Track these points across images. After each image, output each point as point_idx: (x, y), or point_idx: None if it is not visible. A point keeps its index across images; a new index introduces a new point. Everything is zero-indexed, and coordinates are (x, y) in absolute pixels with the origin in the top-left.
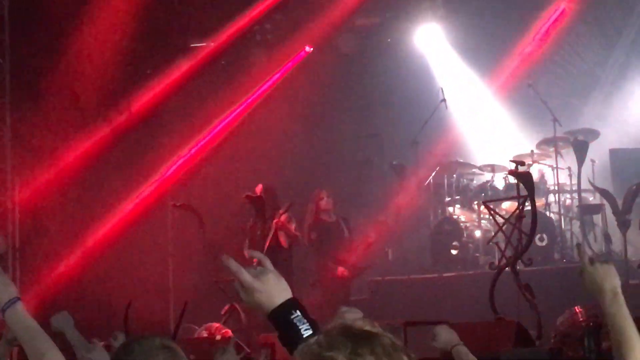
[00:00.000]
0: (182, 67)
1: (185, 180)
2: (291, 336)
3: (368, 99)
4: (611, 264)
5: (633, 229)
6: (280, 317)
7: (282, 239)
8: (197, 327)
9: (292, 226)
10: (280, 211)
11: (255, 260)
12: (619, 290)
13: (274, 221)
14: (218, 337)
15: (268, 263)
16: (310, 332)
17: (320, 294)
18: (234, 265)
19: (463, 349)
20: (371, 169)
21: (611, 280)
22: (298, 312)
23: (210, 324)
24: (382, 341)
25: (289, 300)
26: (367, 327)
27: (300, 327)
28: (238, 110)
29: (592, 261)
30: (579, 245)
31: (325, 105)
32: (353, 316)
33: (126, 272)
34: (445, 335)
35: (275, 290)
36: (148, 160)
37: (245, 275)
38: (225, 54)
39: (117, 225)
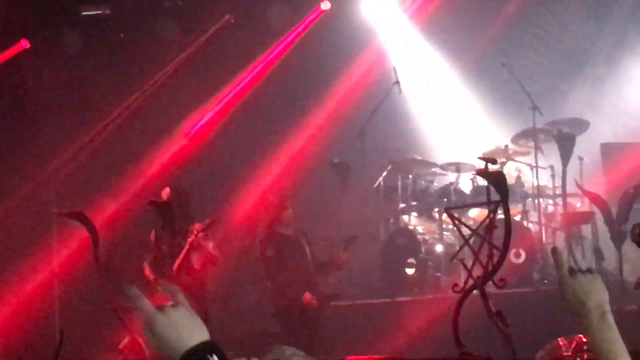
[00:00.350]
0: (74, 40)
1: (74, 182)
2: None
3: (303, 82)
4: (597, 275)
5: (629, 242)
6: None
7: (194, 260)
8: None
9: (210, 244)
10: (198, 227)
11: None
12: (608, 307)
13: (189, 240)
14: None
15: (180, 296)
16: None
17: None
18: (134, 292)
19: None
20: (307, 165)
21: (597, 295)
22: (215, 358)
23: None
24: None
25: (206, 342)
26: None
27: None
28: (141, 93)
29: (572, 271)
30: (555, 249)
31: (249, 89)
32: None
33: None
34: None
35: (187, 329)
36: (24, 157)
37: (149, 309)
38: (125, 25)
39: None
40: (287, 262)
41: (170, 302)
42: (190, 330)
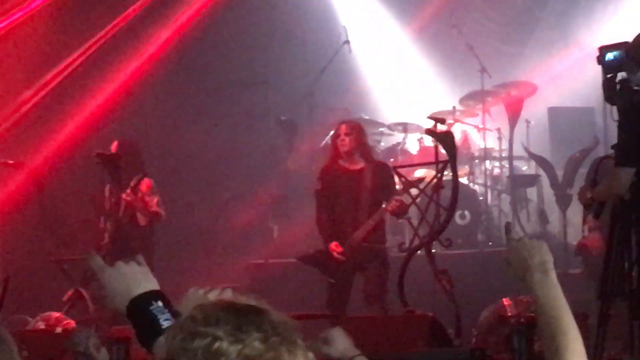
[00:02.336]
0: None
1: (19, 131)
2: (148, 329)
3: (250, 39)
4: (543, 241)
5: (574, 206)
6: (137, 309)
7: (139, 217)
8: (30, 319)
9: (154, 199)
10: (131, 184)
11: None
12: (551, 266)
13: (122, 197)
14: (58, 330)
15: (140, 257)
16: (170, 322)
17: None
18: (98, 264)
19: None
20: (254, 124)
21: (541, 255)
22: (159, 303)
23: (48, 313)
24: (272, 318)
25: (150, 291)
26: (253, 303)
27: (159, 317)
28: (85, 49)
29: (519, 237)
30: (508, 224)
31: (196, 45)
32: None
33: None
34: (342, 343)
35: (134, 279)
36: None
37: (100, 265)
38: None
39: None
40: (335, 199)
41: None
42: (138, 281)
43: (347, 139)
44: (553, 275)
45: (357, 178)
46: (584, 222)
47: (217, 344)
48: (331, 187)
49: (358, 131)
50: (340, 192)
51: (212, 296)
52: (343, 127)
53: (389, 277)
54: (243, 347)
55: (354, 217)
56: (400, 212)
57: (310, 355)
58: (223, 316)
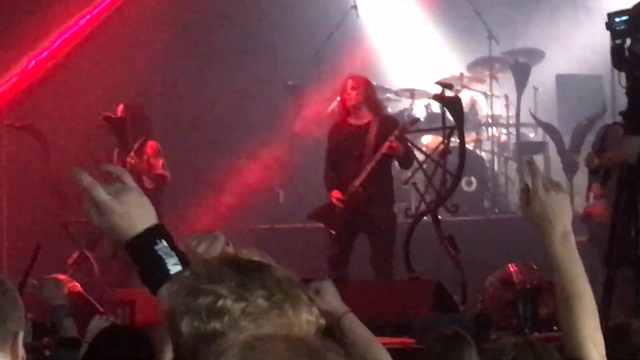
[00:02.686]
0: None
1: (25, 94)
2: (154, 272)
3: (257, 3)
4: (567, 195)
5: (581, 173)
6: (142, 247)
7: (146, 180)
8: (36, 282)
9: (160, 162)
10: (135, 146)
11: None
12: (570, 229)
13: (127, 160)
14: (64, 292)
15: (129, 179)
16: (179, 267)
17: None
18: (86, 179)
19: (353, 320)
20: (261, 89)
21: (564, 216)
22: (164, 243)
23: (54, 275)
24: (275, 274)
25: (153, 226)
26: (257, 258)
27: (166, 261)
28: (92, 11)
29: (546, 187)
30: (530, 161)
31: (204, 11)
32: (209, 244)
33: None
34: (332, 297)
35: (137, 213)
36: None
37: (101, 192)
38: None
39: None
40: (342, 155)
41: (118, 184)
42: (142, 215)
43: (353, 93)
44: (572, 238)
45: (362, 132)
46: (589, 189)
47: (220, 302)
48: (338, 144)
49: (365, 85)
50: (347, 147)
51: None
52: (349, 81)
53: (395, 241)
54: (247, 305)
55: (359, 170)
56: (398, 152)
57: (315, 309)
58: (226, 273)
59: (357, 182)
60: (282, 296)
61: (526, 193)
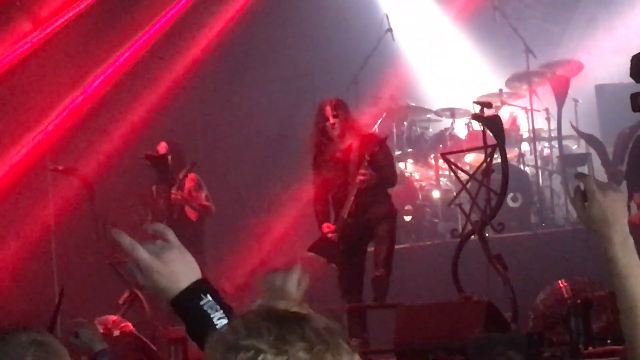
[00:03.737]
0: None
1: (68, 137)
2: (201, 327)
3: (295, 31)
4: (624, 195)
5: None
6: (187, 304)
7: (189, 211)
8: (89, 322)
9: (202, 194)
10: (180, 176)
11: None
12: (628, 230)
13: (172, 194)
14: (116, 333)
15: (172, 236)
16: (225, 321)
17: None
18: (126, 240)
19: None
20: (300, 116)
21: (624, 217)
22: (209, 297)
23: (105, 317)
24: (314, 325)
25: (197, 282)
26: (295, 309)
27: (212, 316)
28: (130, 52)
29: (602, 188)
30: (578, 174)
31: (243, 41)
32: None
33: None
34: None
35: (180, 270)
36: (18, 116)
37: (142, 253)
38: None
39: None
40: (330, 182)
41: (159, 241)
42: (185, 271)
43: (336, 122)
44: (631, 241)
45: (345, 158)
46: (631, 198)
47: (261, 357)
48: (322, 173)
49: (343, 109)
50: (332, 174)
51: (290, 280)
52: (327, 108)
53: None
54: (288, 359)
55: (345, 196)
56: (370, 182)
57: (356, 357)
58: (265, 326)
59: (345, 213)
60: (323, 347)
61: (580, 197)
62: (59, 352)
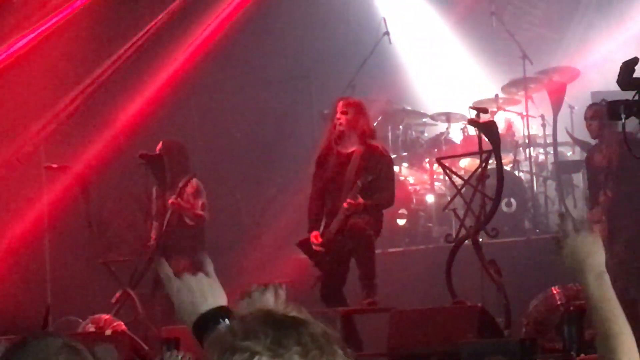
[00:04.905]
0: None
1: (63, 135)
2: None
3: (293, 33)
4: (598, 237)
5: None
6: (205, 326)
7: (186, 217)
8: (81, 320)
9: (199, 202)
10: (180, 185)
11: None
12: (604, 268)
13: (170, 201)
14: (108, 332)
15: (209, 267)
16: None
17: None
18: (164, 270)
19: None
20: (297, 118)
21: (597, 256)
22: (226, 321)
23: (98, 315)
24: (311, 330)
25: (220, 307)
26: (293, 313)
27: None
28: (126, 51)
29: (577, 229)
30: (562, 215)
31: (240, 42)
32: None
33: None
34: None
35: (202, 294)
36: (13, 112)
37: (167, 274)
38: None
39: None
40: (325, 185)
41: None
42: (205, 295)
43: (343, 118)
44: (606, 277)
45: (345, 162)
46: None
47: (256, 359)
48: (323, 172)
49: (355, 109)
50: (330, 177)
51: (269, 296)
52: (339, 104)
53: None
54: None
55: (337, 204)
56: (357, 211)
57: None
58: (262, 329)
59: (334, 229)
60: (318, 352)
61: (558, 241)
62: (88, 357)
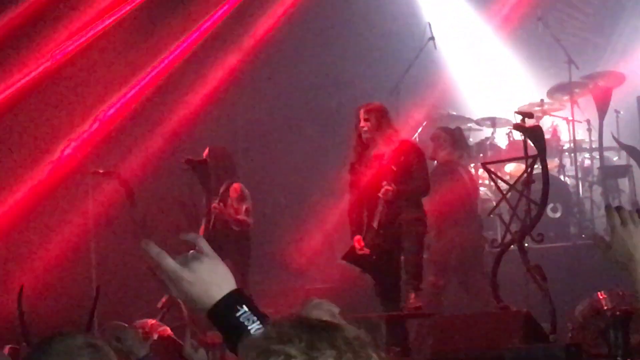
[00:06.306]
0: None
1: (110, 141)
2: (238, 338)
3: (337, 38)
4: None
5: None
6: (223, 315)
7: (230, 221)
8: (127, 325)
9: (243, 207)
10: (221, 190)
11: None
12: None
13: (212, 206)
14: (155, 337)
15: (205, 245)
16: (261, 329)
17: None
18: (155, 250)
19: None
20: (341, 124)
21: None
22: (245, 308)
23: (144, 320)
24: (345, 334)
25: (232, 293)
26: (327, 318)
27: (249, 327)
28: (174, 55)
29: (624, 222)
30: (609, 207)
31: (284, 47)
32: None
33: (36, 257)
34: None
35: (212, 280)
36: (60, 118)
37: (169, 262)
38: None
39: (24, 199)
40: (364, 191)
41: (192, 252)
42: (217, 281)
43: (366, 125)
44: None
45: (377, 164)
46: None
47: None
48: (358, 179)
49: (377, 114)
50: (365, 182)
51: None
52: (361, 112)
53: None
54: None
55: (377, 204)
56: (394, 198)
57: None
58: (296, 333)
59: (375, 223)
60: (352, 356)
61: (602, 240)
62: (110, 356)
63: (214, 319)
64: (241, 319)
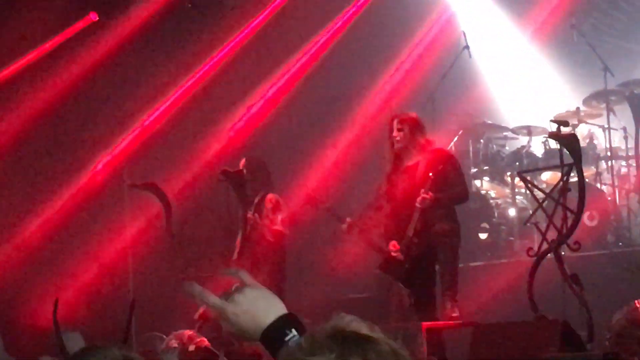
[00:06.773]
0: (136, 14)
1: (145, 152)
2: None
3: (372, 46)
4: None
5: None
6: (272, 340)
7: (266, 233)
8: (164, 336)
9: (278, 217)
10: (255, 201)
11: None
12: None
13: (247, 216)
14: (191, 348)
15: (246, 277)
16: None
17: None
18: (197, 290)
19: None
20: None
21: None
22: (294, 332)
23: (181, 331)
24: (378, 347)
25: (280, 318)
26: (363, 330)
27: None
28: (211, 64)
29: None
30: None
31: (320, 56)
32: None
33: (73, 268)
34: None
35: (257, 309)
36: (97, 130)
37: (212, 299)
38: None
39: (61, 211)
40: (397, 201)
41: (235, 286)
42: (263, 309)
43: (399, 135)
44: None
45: (412, 175)
46: None
47: None
48: (394, 189)
49: (410, 124)
50: (401, 192)
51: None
52: (394, 122)
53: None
54: None
55: (412, 213)
56: (432, 206)
57: None
58: (328, 345)
59: (410, 231)
60: None
61: None
62: None
63: (266, 347)
64: (290, 343)
